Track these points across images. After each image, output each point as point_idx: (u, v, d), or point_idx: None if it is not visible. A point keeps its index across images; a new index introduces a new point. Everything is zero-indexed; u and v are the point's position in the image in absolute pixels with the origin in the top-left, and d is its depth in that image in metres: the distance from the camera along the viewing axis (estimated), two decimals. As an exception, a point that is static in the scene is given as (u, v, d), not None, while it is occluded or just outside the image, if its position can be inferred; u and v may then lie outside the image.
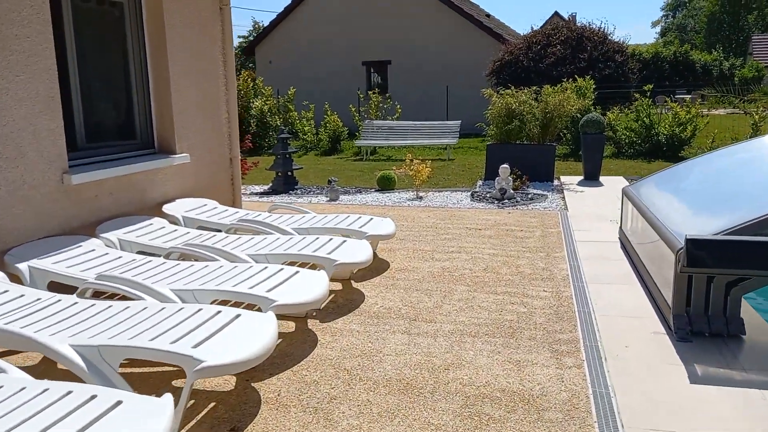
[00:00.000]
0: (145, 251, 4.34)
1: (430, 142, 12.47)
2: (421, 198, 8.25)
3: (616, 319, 3.78)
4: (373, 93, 13.84)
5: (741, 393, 2.86)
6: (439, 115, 19.48)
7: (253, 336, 2.70)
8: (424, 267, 4.93)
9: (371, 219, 5.16)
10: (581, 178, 9.71)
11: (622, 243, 5.63)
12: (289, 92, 14.63)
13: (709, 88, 12.51)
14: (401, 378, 3.04)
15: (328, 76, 21.13)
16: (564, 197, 8.16)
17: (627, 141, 12.37)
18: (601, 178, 9.51)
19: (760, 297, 4.66)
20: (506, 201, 7.85)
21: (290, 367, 3.19)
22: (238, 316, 2.90)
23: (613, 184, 9.11)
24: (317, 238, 4.41)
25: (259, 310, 3.23)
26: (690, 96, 26.73)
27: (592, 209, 7.23)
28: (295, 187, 8.98)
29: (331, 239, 4.37)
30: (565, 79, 12.32)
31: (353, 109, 13.76)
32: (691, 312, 3.55)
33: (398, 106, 14.01)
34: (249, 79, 14.49)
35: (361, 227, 4.86)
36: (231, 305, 3.53)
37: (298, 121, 14.32)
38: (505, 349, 3.36)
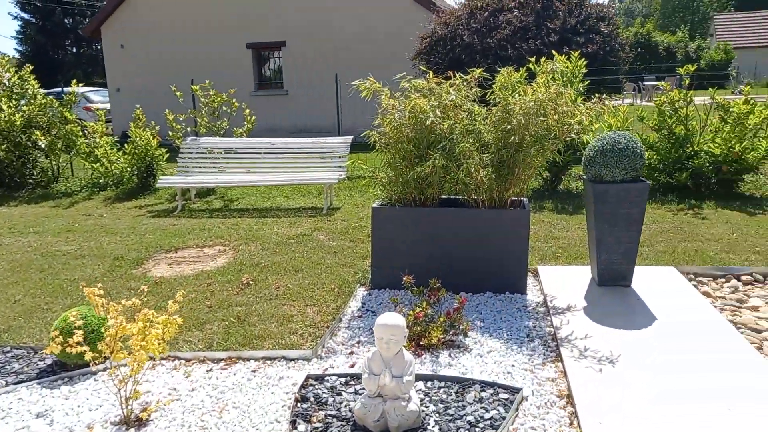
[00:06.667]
0: None
1: (292, 179, 6.75)
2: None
3: None
4: (198, 88, 7.99)
5: None
6: (349, 120, 13.85)
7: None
8: None
9: None
10: (587, 275, 4.28)
11: None
12: (72, 89, 8.54)
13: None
14: None
15: (202, 65, 15.16)
16: (576, 415, 2.68)
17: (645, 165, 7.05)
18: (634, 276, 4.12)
19: None
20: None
21: None
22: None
23: (666, 305, 3.67)
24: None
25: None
26: (660, 83, 21.95)
27: None
28: None
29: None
30: (531, 59, 6.94)
31: (170, 118, 7.89)
32: None
33: (248, 112, 8.17)
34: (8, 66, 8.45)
35: None
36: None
37: (83, 140, 8.27)
38: None
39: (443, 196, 4.45)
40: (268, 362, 3.16)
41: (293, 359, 3.19)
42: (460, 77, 4.36)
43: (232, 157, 7.22)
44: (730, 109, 6.56)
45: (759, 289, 4.14)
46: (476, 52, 10.57)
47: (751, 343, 3.28)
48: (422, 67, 5.91)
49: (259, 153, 7.18)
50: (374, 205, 4.24)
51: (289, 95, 14.99)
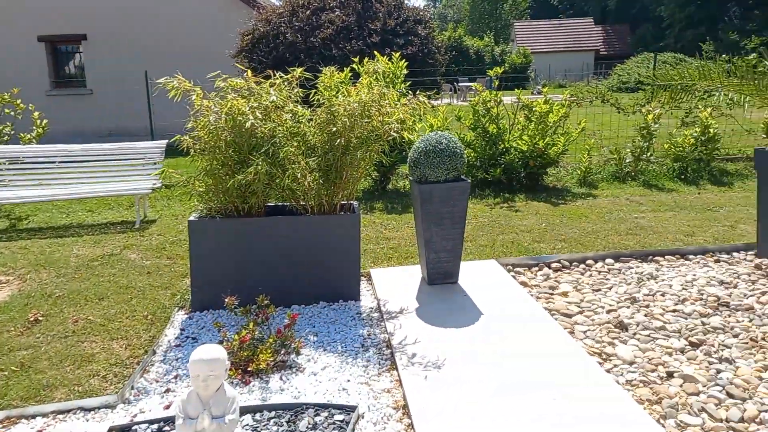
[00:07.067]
0: None
1: (96, 190, 5.92)
2: None
3: None
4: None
5: None
6: (164, 121, 12.81)
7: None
8: None
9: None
10: (417, 275, 4.31)
11: None
12: None
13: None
14: None
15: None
16: (413, 426, 2.59)
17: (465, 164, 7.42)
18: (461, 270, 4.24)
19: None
20: None
21: None
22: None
23: (490, 299, 3.83)
24: None
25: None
26: (473, 84, 23.88)
27: None
28: None
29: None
30: (355, 59, 6.89)
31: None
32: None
33: (37, 115, 7.05)
34: None
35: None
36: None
37: None
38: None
39: (270, 204, 4.16)
40: (60, 417, 2.62)
41: (93, 408, 2.68)
42: (281, 77, 4.11)
43: (18, 168, 6.13)
44: (534, 109, 7.18)
45: (566, 275, 4.51)
46: (300, 51, 10.36)
47: (565, 328, 3.51)
48: (240, 66, 5.52)
49: (54, 162, 6.19)
50: (191, 218, 3.80)
51: (95, 95, 13.41)
